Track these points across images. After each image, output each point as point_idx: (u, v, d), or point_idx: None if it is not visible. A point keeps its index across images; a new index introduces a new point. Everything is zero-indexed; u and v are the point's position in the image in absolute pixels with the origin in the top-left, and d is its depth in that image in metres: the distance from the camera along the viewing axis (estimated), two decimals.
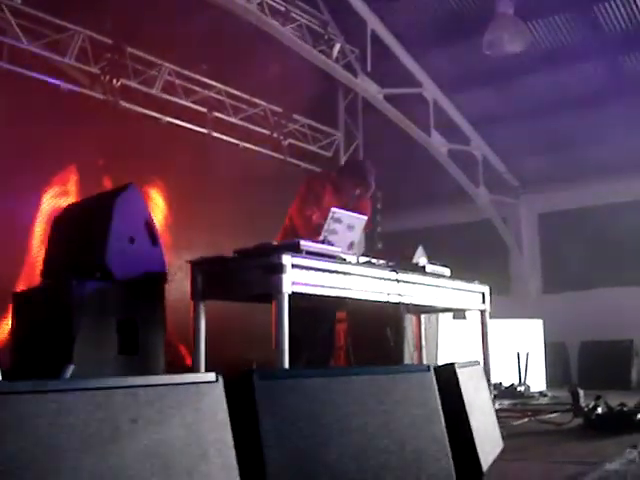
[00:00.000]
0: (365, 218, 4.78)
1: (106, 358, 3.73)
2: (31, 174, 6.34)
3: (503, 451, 3.03)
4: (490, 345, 5.81)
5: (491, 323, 6.08)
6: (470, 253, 11.31)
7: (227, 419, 1.55)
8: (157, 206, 7.53)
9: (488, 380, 5.56)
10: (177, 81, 7.83)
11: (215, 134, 8.36)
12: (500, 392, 6.86)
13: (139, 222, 4.03)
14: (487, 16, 8.94)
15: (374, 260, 4.75)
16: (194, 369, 3.95)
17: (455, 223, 12.03)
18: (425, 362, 6.05)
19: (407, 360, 5.99)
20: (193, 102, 8.12)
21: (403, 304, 4.68)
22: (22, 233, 6.37)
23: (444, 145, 11.23)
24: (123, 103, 7.22)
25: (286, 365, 3.62)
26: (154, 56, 7.48)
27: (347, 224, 4.59)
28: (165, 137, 7.69)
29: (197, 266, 4.04)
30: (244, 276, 3.84)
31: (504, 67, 10.33)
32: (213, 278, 4.01)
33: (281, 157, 9.33)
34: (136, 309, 3.91)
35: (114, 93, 7.03)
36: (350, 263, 4.29)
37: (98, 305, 3.74)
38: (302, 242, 3.98)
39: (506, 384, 7.34)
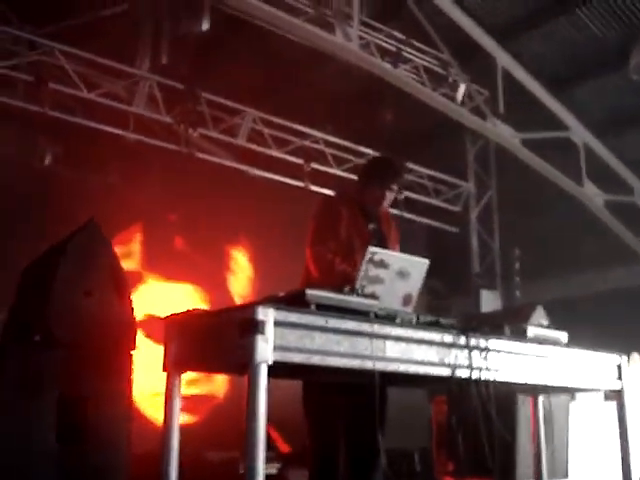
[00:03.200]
0: (427, 262, 3.50)
1: (38, 447, 2.75)
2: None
3: None
4: None
5: None
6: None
7: None
8: (241, 268, 6.67)
9: None
10: (266, 130, 7.03)
11: (314, 187, 7.43)
12: None
13: (100, 271, 3.08)
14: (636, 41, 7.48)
15: (444, 320, 3.46)
16: (162, 473, 2.85)
17: (618, 288, 10.08)
18: (545, 465, 4.50)
19: (521, 461, 4.50)
20: (287, 153, 7.26)
21: (482, 381, 3.33)
22: None
23: (600, 196, 9.55)
24: (200, 154, 6.49)
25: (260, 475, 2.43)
26: (235, 102, 6.74)
27: (397, 269, 3.35)
28: (253, 191, 6.86)
29: (171, 326, 3.00)
30: (219, 338, 2.74)
31: None
32: (189, 341, 2.95)
33: (396, 212, 8.17)
34: (87, 383, 2.93)
35: (190, 143, 6.32)
36: (390, 321, 3.06)
37: (29, 377, 2.79)
38: (309, 291, 2.83)
39: None
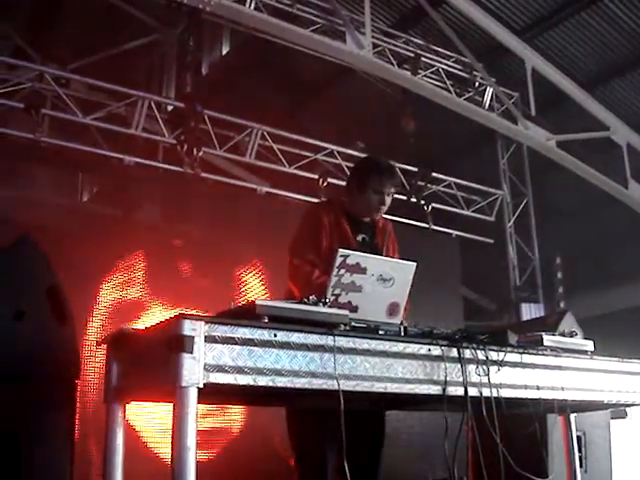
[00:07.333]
0: (414, 265, 3.05)
1: None
2: (90, 261, 5.39)
3: None
4: None
5: None
6: None
7: None
8: (254, 291, 6.29)
9: None
10: (275, 145, 6.70)
11: None
12: None
13: (35, 290, 2.74)
14: None
15: (438, 331, 2.98)
16: None
17: None
18: None
19: None
20: (299, 168, 6.91)
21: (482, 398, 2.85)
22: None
23: None
24: (205, 174, 6.19)
25: None
26: (240, 118, 6.44)
27: (378, 274, 2.91)
28: (264, 210, 6.51)
29: (113, 349, 2.63)
30: (152, 360, 2.36)
31: None
32: (129, 366, 2.57)
33: (424, 225, 7.73)
34: (20, 419, 2.57)
35: (194, 164, 6.03)
36: (361, 333, 2.63)
37: None
38: (260, 302, 2.43)
39: None
